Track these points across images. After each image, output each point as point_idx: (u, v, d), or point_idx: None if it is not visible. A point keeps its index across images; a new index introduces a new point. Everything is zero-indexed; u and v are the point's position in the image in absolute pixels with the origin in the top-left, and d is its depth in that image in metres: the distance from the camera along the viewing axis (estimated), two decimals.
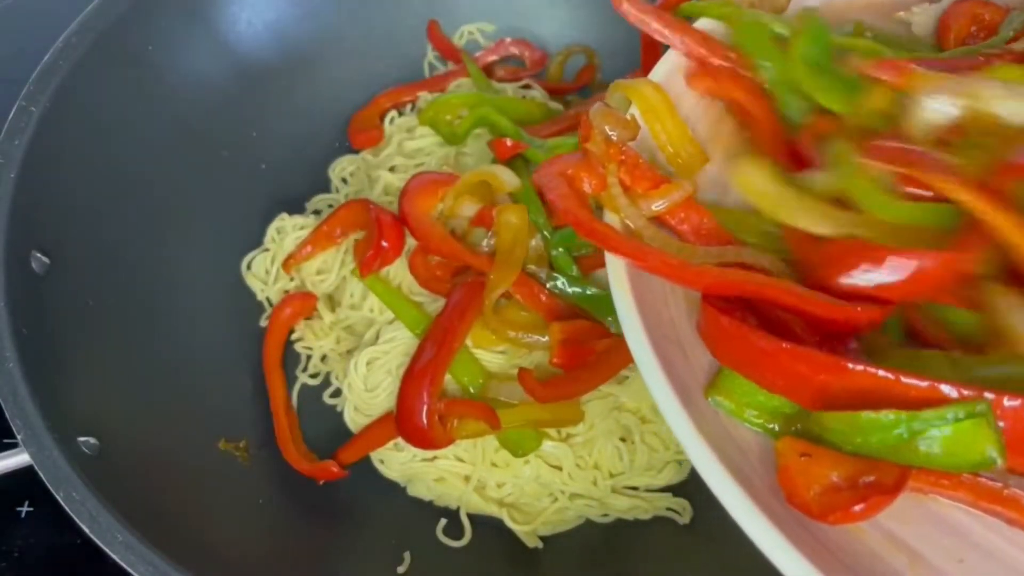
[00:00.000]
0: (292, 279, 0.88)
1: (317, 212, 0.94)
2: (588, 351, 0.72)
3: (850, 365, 0.39)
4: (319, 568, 0.69)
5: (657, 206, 0.51)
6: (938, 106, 0.48)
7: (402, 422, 0.72)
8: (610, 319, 0.73)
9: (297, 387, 0.83)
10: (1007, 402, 0.36)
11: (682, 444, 0.39)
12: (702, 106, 0.60)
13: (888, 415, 0.37)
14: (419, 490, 0.77)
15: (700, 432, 0.39)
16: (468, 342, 0.74)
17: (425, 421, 0.70)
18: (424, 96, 1.00)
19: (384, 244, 0.79)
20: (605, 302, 0.72)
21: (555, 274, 0.74)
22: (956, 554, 0.39)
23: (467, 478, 0.75)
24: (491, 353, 0.75)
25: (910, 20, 0.67)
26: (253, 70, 0.92)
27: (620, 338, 0.61)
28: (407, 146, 0.93)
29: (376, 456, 0.78)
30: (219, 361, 0.80)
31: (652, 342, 0.43)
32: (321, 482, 0.76)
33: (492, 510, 0.75)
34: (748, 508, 0.36)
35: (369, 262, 0.79)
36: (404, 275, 0.81)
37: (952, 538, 0.40)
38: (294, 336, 0.86)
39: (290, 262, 0.85)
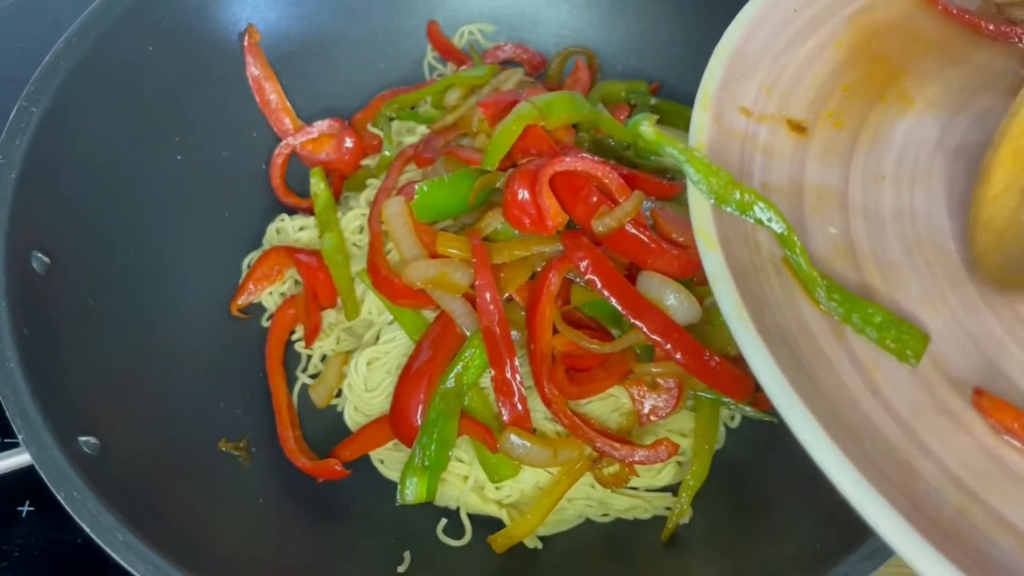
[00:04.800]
0: (293, 279, 0.88)
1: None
2: (590, 359, 0.72)
3: None
4: (319, 568, 0.69)
5: None
6: None
7: (396, 421, 0.72)
8: (615, 332, 0.72)
9: (297, 387, 0.84)
10: None
11: (793, 428, 0.38)
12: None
13: None
14: None
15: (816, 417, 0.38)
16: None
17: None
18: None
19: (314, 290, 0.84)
20: (610, 309, 0.70)
21: None
22: None
23: (466, 478, 0.75)
24: None
25: None
26: None
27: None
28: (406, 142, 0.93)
29: (376, 456, 0.78)
30: (219, 361, 0.80)
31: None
32: (320, 481, 0.76)
33: (492, 510, 0.75)
34: (859, 481, 0.36)
35: (314, 329, 0.83)
36: None
37: None
38: (294, 336, 0.87)
39: (235, 305, 0.86)
